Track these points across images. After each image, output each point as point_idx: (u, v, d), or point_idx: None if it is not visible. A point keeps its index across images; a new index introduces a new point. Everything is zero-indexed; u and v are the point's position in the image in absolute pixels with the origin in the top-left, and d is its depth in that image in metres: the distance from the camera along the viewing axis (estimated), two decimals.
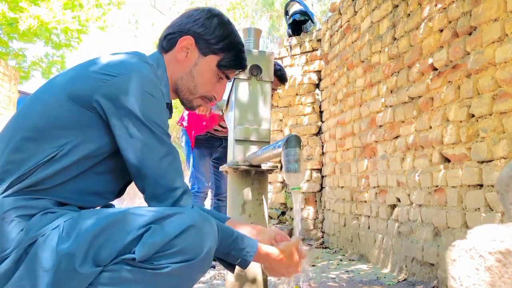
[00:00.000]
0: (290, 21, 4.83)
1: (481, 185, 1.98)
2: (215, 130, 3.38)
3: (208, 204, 3.62)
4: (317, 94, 4.47)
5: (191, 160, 3.41)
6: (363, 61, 3.34)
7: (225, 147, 3.51)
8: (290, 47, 4.72)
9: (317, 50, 4.50)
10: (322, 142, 4.34)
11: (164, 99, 1.08)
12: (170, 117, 1.22)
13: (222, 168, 1.99)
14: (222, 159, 3.46)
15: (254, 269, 1.87)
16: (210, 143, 3.35)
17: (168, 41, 1.18)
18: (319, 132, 4.41)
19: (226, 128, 3.33)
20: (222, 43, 1.17)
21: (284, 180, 4.57)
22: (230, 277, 1.89)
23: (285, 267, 1.18)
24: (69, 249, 0.90)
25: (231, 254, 1.09)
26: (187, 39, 1.16)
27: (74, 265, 0.89)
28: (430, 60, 2.40)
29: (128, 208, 0.98)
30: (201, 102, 1.23)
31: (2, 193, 0.95)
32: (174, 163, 1.05)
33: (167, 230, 0.92)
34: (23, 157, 0.97)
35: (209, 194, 3.58)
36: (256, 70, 1.88)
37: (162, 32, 1.21)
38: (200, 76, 1.18)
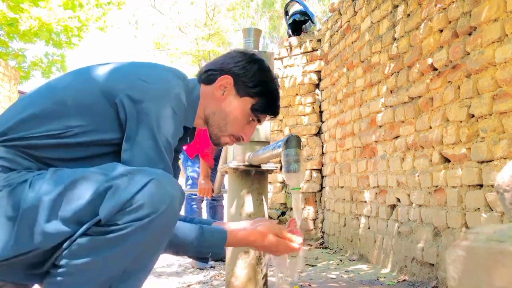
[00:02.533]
0: (290, 21, 4.83)
1: (481, 185, 1.98)
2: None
3: (204, 204, 3.63)
4: (317, 94, 4.48)
5: (187, 163, 3.43)
6: (363, 61, 3.34)
7: (220, 150, 3.53)
8: (290, 47, 4.72)
9: (317, 50, 4.51)
10: (322, 142, 4.34)
11: (183, 118, 1.12)
12: (188, 142, 1.28)
13: (222, 168, 1.99)
14: (217, 159, 3.48)
15: (254, 269, 1.87)
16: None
17: (208, 76, 1.23)
18: (319, 132, 4.41)
19: None
20: (259, 88, 1.22)
21: (284, 180, 4.57)
22: (230, 277, 1.89)
23: (272, 246, 1.19)
24: (32, 202, 0.91)
25: (202, 251, 1.12)
26: (226, 78, 1.20)
27: (37, 219, 0.90)
28: (430, 60, 2.40)
29: (95, 167, 0.98)
30: (229, 141, 1.27)
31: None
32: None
33: (129, 187, 0.92)
34: (34, 124, 1.01)
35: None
36: None
37: (203, 67, 1.26)
38: (232, 115, 1.22)
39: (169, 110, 1.05)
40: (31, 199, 0.92)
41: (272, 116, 1.29)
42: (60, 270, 0.92)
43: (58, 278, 0.93)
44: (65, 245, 0.91)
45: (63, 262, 0.92)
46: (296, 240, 1.20)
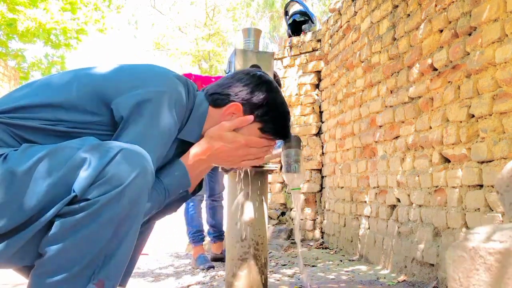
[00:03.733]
0: (290, 21, 4.83)
1: (481, 185, 1.98)
2: None
3: (204, 205, 3.63)
4: (317, 95, 4.47)
5: None
6: (363, 62, 3.34)
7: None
8: (290, 48, 4.72)
9: (317, 50, 4.51)
10: (322, 143, 4.34)
11: (177, 124, 1.11)
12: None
13: (222, 168, 1.99)
14: None
15: (254, 269, 1.87)
16: None
17: (215, 100, 1.21)
18: (319, 132, 4.41)
19: None
20: (268, 113, 1.21)
21: (284, 180, 4.57)
22: (230, 277, 1.89)
23: (229, 153, 1.20)
24: (4, 175, 0.91)
25: (175, 193, 1.14)
26: (235, 106, 1.19)
27: (8, 192, 0.90)
28: (430, 61, 2.40)
29: (67, 141, 0.99)
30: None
31: None
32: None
33: (100, 159, 0.92)
34: (29, 110, 1.03)
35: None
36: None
37: (209, 88, 1.24)
38: None
39: (166, 117, 1.06)
40: (4, 172, 0.91)
41: (281, 139, 1.27)
42: (41, 259, 0.92)
43: (39, 269, 0.92)
44: (40, 229, 0.91)
45: (42, 251, 0.91)
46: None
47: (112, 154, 0.93)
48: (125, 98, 1.04)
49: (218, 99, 1.20)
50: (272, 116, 1.22)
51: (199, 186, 1.29)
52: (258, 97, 1.20)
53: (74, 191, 0.90)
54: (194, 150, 1.17)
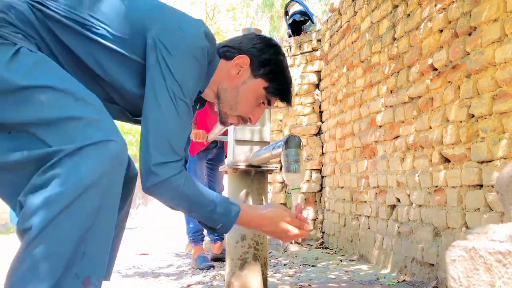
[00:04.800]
0: (290, 21, 4.83)
1: (481, 185, 1.98)
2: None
3: None
4: (317, 95, 4.48)
5: (190, 164, 3.43)
6: (363, 61, 3.35)
7: (219, 148, 3.53)
8: (290, 48, 4.72)
9: (317, 50, 4.51)
10: (322, 143, 4.34)
11: (203, 80, 1.17)
12: (198, 108, 1.31)
13: (222, 168, 1.99)
14: (216, 160, 3.48)
15: (254, 269, 1.87)
16: (209, 148, 3.37)
17: (225, 52, 1.24)
18: (319, 132, 4.41)
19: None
20: (274, 71, 1.23)
21: (284, 180, 4.57)
22: (230, 277, 1.89)
23: (283, 233, 1.22)
24: (4, 78, 0.93)
25: (214, 218, 1.15)
26: (243, 57, 1.22)
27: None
28: (430, 61, 2.40)
29: (82, 89, 1.00)
30: (236, 121, 1.29)
31: None
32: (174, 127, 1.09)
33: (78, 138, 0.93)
34: (68, 2, 1.06)
35: None
36: None
37: (221, 43, 1.27)
38: (244, 94, 1.24)
39: (195, 70, 1.10)
40: (3, 75, 0.93)
41: (284, 103, 1.29)
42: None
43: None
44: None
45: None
46: (304, 227, 1.23)
47: (86, 143, 0.92)
48: (160, 39, 1.07)
49: (228, 51, 1.23)
50: (278, 77, 1.24)
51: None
52: (267, 55, 1.23)
53: (52, 154, 0.90)
54: (251, 213, 1.21)
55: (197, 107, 1.30)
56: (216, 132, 2.84)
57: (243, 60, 1.21)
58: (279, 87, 1.25)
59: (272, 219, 1.20)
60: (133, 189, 1.26)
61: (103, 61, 1.08)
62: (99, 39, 1.06)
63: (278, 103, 1.34)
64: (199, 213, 1.15)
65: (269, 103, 1.27)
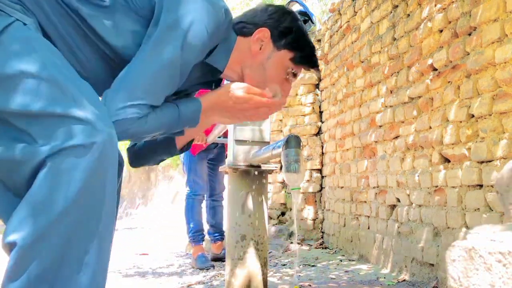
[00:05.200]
0: None
1: (481, 185, 1.98)
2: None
3: (204, 205, 3.64)
4: (317, 95, 4.48)
5: (190, 164, 3.43)
6: (362, 62, 3.35)
7: (220, 148, 3.53)
8: None
9: (317, 50, 4.51)
10: (322, 143, 4.34)
11: (207, 46, 1.07)
12: (212, 88, 1.20)
13: (222, 168, 1.99)
14: (217, 160, 3.49)
15: (254, 269, 1.87)
16: (209, 148, 3.37)
17: (241, 29, 1.16)
18: (319, 132, 4.41)
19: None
20: (297, 39, 1.17)
21: (284, 180, 4.57)
22: (230, 277, 1.89)
23: (242, 101, 1.11)
24: None
25: (183, 125, 1.09)
26: (263, 31, 1.15)
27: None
28: (430, 61, 2.40)
29: (77, 79, 0.94)
30: None
31: None
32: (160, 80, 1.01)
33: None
34: None
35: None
36: None
37: (234, 19, 1.19)
38: (271, 70, 1.16)
39: (203, 35, 1.03)
40: None
41: (312, 68, 1.23)
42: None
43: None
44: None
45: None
46: (264, 94, 1.13)
47: (68, 145, 0.85)
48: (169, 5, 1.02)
49: (245, 27, 1.16)
50: (302, 44, 1.17)
51: (188, 145, 1.27)
52: (286, 23, 1.16)
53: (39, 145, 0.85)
54: (210, 98, 1.12)
55: (213, 86, 1.22)
56: (215, 134, 2.84)
57: (264, 33, 1.14)
58: (305, 54, 1.18)
59: (226, 90, 1.11)
60: (119, 177, 1.15)
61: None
62: None
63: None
64: (167, 130, 1.08)
65: (295, 75, 1.21)
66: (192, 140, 1.30)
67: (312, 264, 3.12)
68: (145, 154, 1.27)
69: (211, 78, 1.19)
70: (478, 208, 1.99)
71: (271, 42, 1.16)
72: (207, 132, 3.20)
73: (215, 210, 3.52)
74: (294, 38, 1.16)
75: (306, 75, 4.53)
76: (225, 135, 2.62)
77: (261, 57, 1.16)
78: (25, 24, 0.93)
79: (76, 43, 1.03)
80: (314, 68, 1.23)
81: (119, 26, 1.04)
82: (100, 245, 0.89)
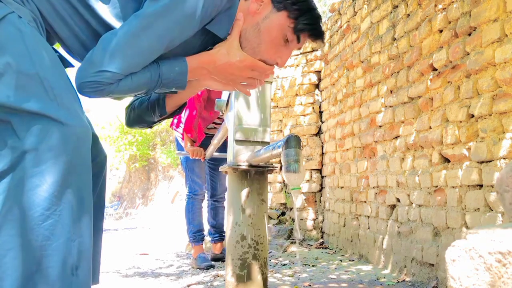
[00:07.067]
0: None
1: (481, 185, 1.98)
2: (208, 128, 3.40)
3: (205, 205, 3.63)
4: (317, 95, 4.48)
5: (187, 163, 3.43)
6: (362, 62, 3.35)
7: (220, 147, 3.53)
8: None
9: (317, 50, 4.51)
10: (322, 143, 4.34)
11: (206, 13, 1.01)
12: (208, 49, 1.13)
13: (222, 168, 1.99)
14: (218, 160, 3.48)
15: (254, 269, 1.87)
16: (205, 145, 3.37)
17: None
18: (319, 132, 4.41)
19: (219, 124, 3.35)
20: (299, 1, 1.08)
21: (284, 180, 4.57)
22: (229, 277, 1.89)
23: (231, 71, 1.08)
24: None
25: (169, 84, 1.06)
26: None
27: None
28: (430, 61, 2.40)
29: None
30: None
31: None
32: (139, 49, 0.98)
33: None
34: None
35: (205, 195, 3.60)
36: None
37: None
38: (267, 32, 1.07)
39: (196, 8, 0.98)
40: None
41: (315, 41, 1.13)
42: None
43: None
44: None
45: None
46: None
47: (44, 147, 0.86)
48: None
49: None
50: (304, 8, 1.08)
51: (179, 109, 1.24)
52: None
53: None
54: (200, 57, 1.08)
55: (208, 48, 1.14)
56: (212, 149, 2.88)
57: None
58: (307, 20, 1.08)
59: (220, 48, 1.06)
60: (103, 173, 1.14)
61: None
62: None
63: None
64: (147, 90, 1.05)
65: (298, 40, 1.10)
66: (184, 104, 1.26)
67: (312, 264, 3.12)
68: (138, 115, 1.26)
69: (212, 45, 1.12)
70: (478, 208, 1.99)
71: (271, 3, 1.08)
72: (201, 129, 3.21)
73: (216, 211, 3.52)
74: (297, 1, 1.08)
75: (306, 77, 4.53)
76: (226, 139, 2.62)
77: (258, 17, 1.08)
78: (20, 17, 0.92)
79: (78, 26, 1.03)
80: (318, 39, 1.13)
81: (122, 8, 1.03)
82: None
